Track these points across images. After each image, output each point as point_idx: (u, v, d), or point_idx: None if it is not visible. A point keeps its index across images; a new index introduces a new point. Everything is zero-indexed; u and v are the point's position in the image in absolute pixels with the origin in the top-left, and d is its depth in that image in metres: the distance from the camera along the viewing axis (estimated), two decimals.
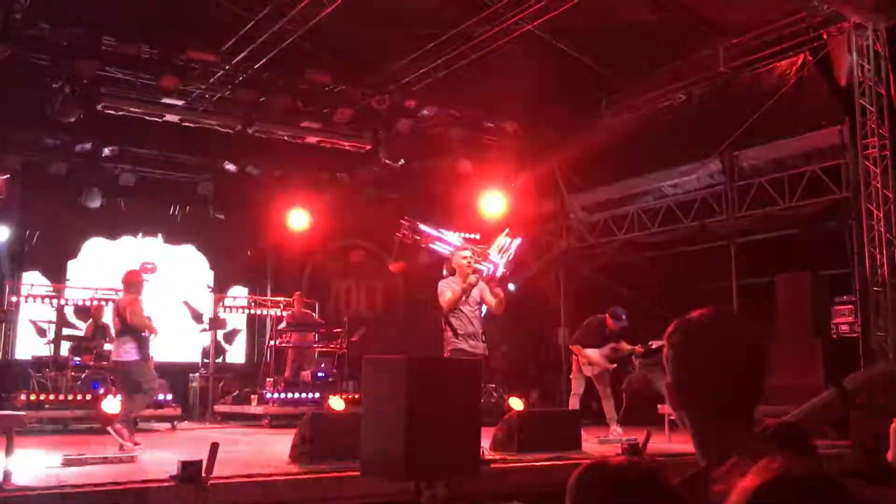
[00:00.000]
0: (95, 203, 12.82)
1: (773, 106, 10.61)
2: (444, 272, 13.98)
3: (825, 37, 10.11)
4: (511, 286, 11.56)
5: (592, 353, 9.37)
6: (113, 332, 8.89)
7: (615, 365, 9.52)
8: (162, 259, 14.39)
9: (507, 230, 12.50)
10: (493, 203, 13.56)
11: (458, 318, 7.30)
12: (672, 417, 9.97)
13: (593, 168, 13.13)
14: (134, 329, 8.31)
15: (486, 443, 6.64)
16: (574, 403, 9.39)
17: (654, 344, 9.51)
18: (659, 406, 10.24)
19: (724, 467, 1.65)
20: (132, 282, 8.53)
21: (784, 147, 11.25)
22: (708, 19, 10.37)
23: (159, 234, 14.23)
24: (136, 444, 7.78)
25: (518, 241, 12.46)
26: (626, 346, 9.60)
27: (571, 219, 14.00)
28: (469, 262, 7.36)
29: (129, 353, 8.32)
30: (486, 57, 10.79)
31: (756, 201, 11.55)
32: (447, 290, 7.34)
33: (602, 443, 8.76)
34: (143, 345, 8.36)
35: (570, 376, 9.69)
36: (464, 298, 7.24)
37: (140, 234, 14.12)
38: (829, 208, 10.78)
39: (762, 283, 11.68)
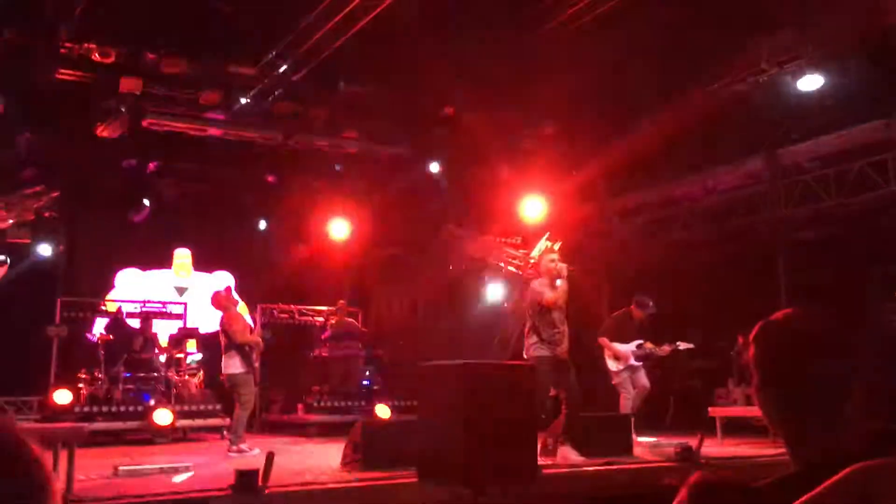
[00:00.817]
0: (141, 218, 13.04)
1: (817, 101, 10.43)
2: (485, 277, 14.02)
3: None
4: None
5: (620, 347, 9.26)
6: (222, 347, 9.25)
7: (641, 363, 9.37)
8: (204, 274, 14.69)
9: (547, 234, 12.50)
10: (533, 208, 13.50)
11: (545, 321, 7.41)
12: (724, 419, 9.87)
13: (633, 170, 13.02)
14: (238, 345, 8.93)
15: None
16: (627, 407, 9.25)
17: (682, 345, 9.40)
18: (710, 409, 10.13)
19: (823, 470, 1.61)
20: (224, 301, 9.24)
21: (828, 143, 11.07)
22: (750, 14, 10.23)
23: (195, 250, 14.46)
24: (245, 449, 8.62)
25: (559, 244, 12.45)
26: (649, 345, 9.45)
27: (612, 222, 13.90)
28: (557, 266, 7.52)
29: (235, 366, 8.91)
30: (526, 60, 10.77)
31: (801, 199, 11.38)
32: (546, 290, 7.45)
33: (654, 447, 8.66)
34: (245, 358, 8.92)
35: (613, 382, 9.47)
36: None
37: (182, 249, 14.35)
38: (878, 203, 10.58)
39: (810, 282, 11.49)
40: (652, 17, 10.19)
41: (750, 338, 1.83)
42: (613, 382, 9.33)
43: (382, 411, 11.62)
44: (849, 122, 10.65)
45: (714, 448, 8.13)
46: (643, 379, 9.31)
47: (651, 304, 9.45)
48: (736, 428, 10.68)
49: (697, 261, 13.09)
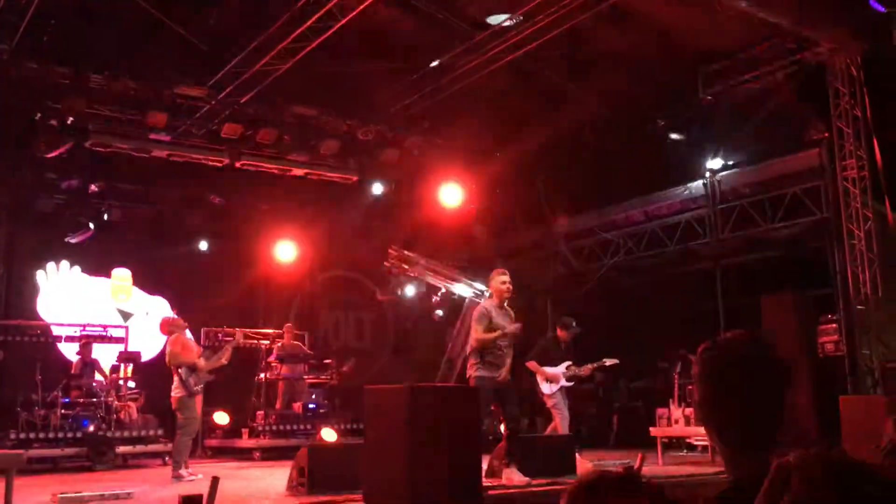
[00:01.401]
0: (80, 239, 12.82)
1: (753, 129, 10.81)
2: (434, 299, 14.10)
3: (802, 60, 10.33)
4: None
5: (549, 370, 9.39)
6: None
7: (572, 383, 9.52)
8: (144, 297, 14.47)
9: (493, 259, 12.65)
10: (479, 231, 13.67)
11: (491, 349, 7.46)
12: (665, 440, 10.08)
13: (578, 195, 13.29)
14: (176, 367, 8.96)
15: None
16: (565, 428, 9.33)
17: (608, 361, 9.60)
18: (651, 429, 10.33)
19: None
20: (169, 326, 9.37)
21: (764, 170, 11.47)
22: (683, 44, 10.57)
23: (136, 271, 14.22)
24: (184, 475, 8.57)
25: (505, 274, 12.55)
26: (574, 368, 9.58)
27: (558, 246, 14.13)
28: (508, 287, 7.55)
29: (175, 388, 8.96)
30: (470, 85, 10.95)
31: (738, 224, 11.74)
32: (485, 318, 7.44)
33: (597, 466, 8.78)
34: (182, 381, 8.92)
35: (548, 405, 9.54)
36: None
37: (123, 268, 14.09)
38: (811, 229, 10.97)
39: (748, 305, 11.83)
40: (597, 46, 10.48)
41: (695, 357, 1.94)
42: (549, 405, 9.44)
43: (328, 434, 11.57)
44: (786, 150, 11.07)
45: (655, 467, 8.29)
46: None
47: (574, 323, 9.65)
48: (677, 447, 10.92)
49: (640, 283, 13.40)
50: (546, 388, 9.31)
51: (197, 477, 8.53)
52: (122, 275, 14.20)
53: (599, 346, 10.18)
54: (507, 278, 7.68)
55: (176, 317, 9.80)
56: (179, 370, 8.92)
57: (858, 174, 9.94)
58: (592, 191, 13.04)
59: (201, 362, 9.12)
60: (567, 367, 9.36)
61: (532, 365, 9.45)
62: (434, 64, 10.81)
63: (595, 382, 14.26)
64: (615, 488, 1.59)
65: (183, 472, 8.68)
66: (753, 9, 9.17)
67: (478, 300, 12.07)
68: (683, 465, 9.16)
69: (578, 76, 11.41)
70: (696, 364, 1.91)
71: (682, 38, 10.45)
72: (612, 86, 11.52)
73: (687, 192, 12.35)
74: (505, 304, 7.65)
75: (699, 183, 12.11)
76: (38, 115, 10.56)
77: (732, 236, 11.86)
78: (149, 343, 12.99)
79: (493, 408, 7.49)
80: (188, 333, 9.88)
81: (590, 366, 9.41)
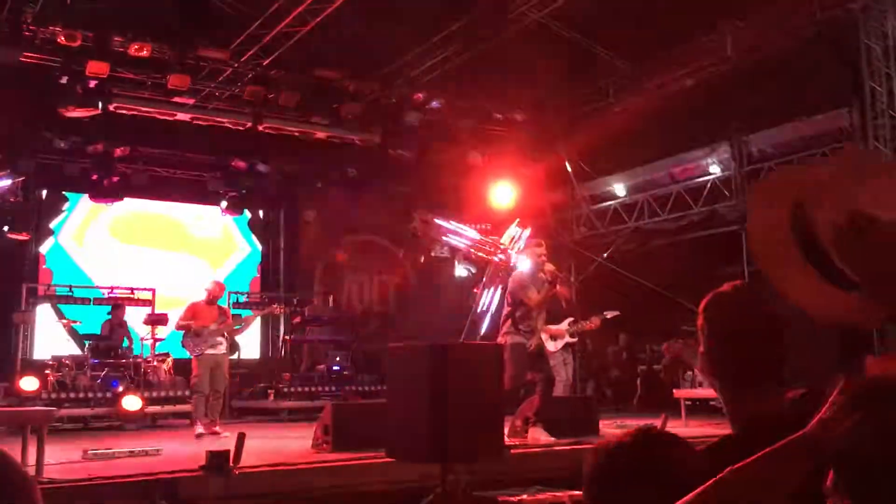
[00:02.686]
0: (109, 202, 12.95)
1: (782, 89, 10.60)
2: (457, 262, 14.11)
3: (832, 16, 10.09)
4: None
5: (554, 327, 9.37)
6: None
7: (576, 339, 9.49)
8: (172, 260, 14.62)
9: (517, 220, 12.60)
10: (503, 194, 13.61)
11: (527, 318, 7.55)
12: (688, 402, 10.07)
13: (603, 157, 13.17)
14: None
15: (505, 429, 6.72)
16: (561, 391, 9.30)
17: (609, 314, 9.55)
18: (675, 391, 10.32)
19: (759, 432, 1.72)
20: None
21: (793, 130, 11.28)
22: (715, 2, 10.38)
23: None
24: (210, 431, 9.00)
25: (528, 231, 12.57)
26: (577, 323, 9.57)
27: (582, 208, 14.05)
28: (544, 259, 7.62)
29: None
30: (494, 48, 10.84)
31: None
32: (530, 287, 7.52)
33: (620, 428, 8.81)
34: (187, 341, 9.45)
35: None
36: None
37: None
38: None
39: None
40: (617, 5, 10.31)
41: (700, 307, 1.96)
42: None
43: (353, 398, 11.71)
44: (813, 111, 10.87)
45: (678, 429, 8.29)
46: (570, 372, 9.40)
47: (571, 278, 9.66)
48: (700, 410, 10.90)
49: (665, 246, 13.29)
50: (550, 345, 9.29)
51: (215, 434, 8.82)
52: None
53: (622, 310, 10.14)
54: (542, 250, 7.72)
55: (214, 282, 10.05)
56: (185, 333, 9.37)
57: (890, 134, 9.74)
58: (617, 152, 12.91)
59: (193, 325, 9.38)
60: (569, 323, 9.34)
61: None
62: (458, 25, 10.70)
63: (619, 346, 14.28)
64: (664, 447, 1.60)
65: (198, 427, 9.00)
66: None
67: (503, 264, 12.08)
68: (706, 426, 9.15)
69: (604, 35, 11.25)
70: (700, 315, 1.95)
71: None
72: (638, 44, 11.36)
73: (714, 153, 12.19)
74: (540, 275, 7.62)
75: (726, 144, 11.94)
76: (63, 78, 10.60)
77: None
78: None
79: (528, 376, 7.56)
80: (218, 299, 9.93)
81: (594, 319, 9.36)
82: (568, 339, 9.33)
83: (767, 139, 11.63)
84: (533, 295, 7.49)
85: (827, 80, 10.60)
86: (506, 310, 7.69)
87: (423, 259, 14.49)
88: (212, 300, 9.72)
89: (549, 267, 7.67)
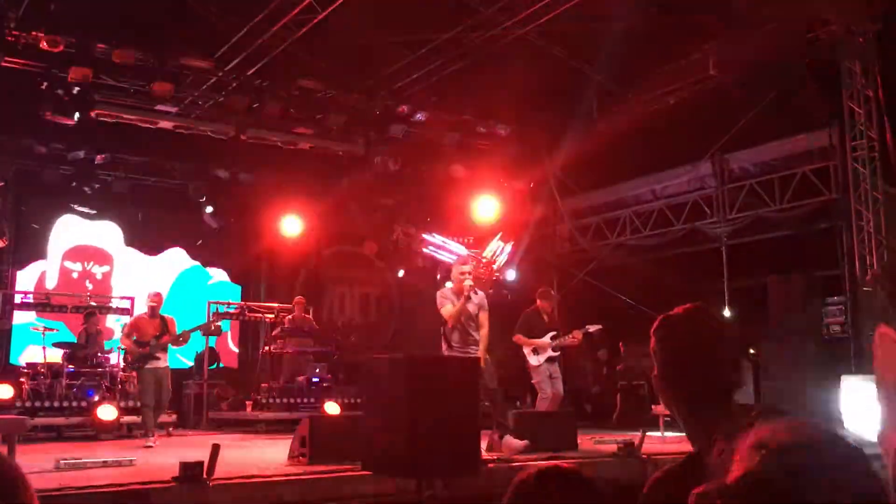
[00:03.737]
0: (88, 210, 12.84)
1: (763, 108, 10.70)
2: (438, 276, 14.11)
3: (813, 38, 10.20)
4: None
5: (537, 341, 9.40)
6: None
7: (559, 353, 9.52)
8: (150, 266, 14.51)
9: (499, 234, 12.61)
10: (486, 207, 13.63)
11: (456, 330, 7.68)
12: (667, 418, 10.08)
13: (586, 172, 13.23)
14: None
15: (482, 444, 6.70)
16: (543, 407, 9.31)
17: (591, 328, 9.57)
18: (653, 406, 10.33)
19: (714, 451, 1.73)
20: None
21: (774, 149, 11.38)
22: (698, 23, 10.46)
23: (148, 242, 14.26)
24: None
25: (510, 245, 12.58)
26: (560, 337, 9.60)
27: (564, 223, 14.09)
28: (466, 277, 7.71)
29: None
30: (479, 62, 10.88)
31: (746, 203, 11.67)
32: (447, 301, 7.68)
33: (598, 444, 8.80)
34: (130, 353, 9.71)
35: (533, 381, 9.57)
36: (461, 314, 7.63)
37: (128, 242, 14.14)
38: (819, 210, 10.90)
39: (754, 285, 11.79)
40: (602, 23, 10.36)
41: (651, 331, 1.96)
42: (533, 381, 9.45)
43: (332, 408, 11.61)
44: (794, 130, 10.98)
45: (656, 445, 8.30)
46: (559, 386, 9.41)
47: (553, 292, 9.74)
48: (679, 425, 10.89)
49: (646, 262, 13.34)
50: (533, 359, 9.30)
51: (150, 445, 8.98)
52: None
53: (604, 325, 10.15)
54: (465, 268, 7.81)
55: (154, 293, 10.09)
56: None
57: (868, 155, 9.84)
58: (600, 168, 12.97)
59: (127, 342, 9.68)
60: (552, 337, 9.35)
61: (518, 338, 9.45)
62: (443, 38, 10.73)
63: (598, 361, 14.28)
64: (562, 484, 1.69)
65: (149, 440, 9.11)
66: None
67: (484, 276, 12.08)
68: (684, 442, 9.16)
69: (587, 52, 11.31)
70: (651, 338, 1.96)
71: (689, 11, 10.32)
72: (621, 61, 11.42)
73: (695, 171, 12.27)
74: (467, 293, 7.65)
75: (707, 162, 12.03)
76: (45, 84, 10.53)
77: (740, 216, 11.80)
78: None
79: None
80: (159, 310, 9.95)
81: (577, 333, 9.38)
82: (551, 352, 9.34)
83: (748, 157, 11.73)
84: (448, 309, 7.61)
85: (807, 100, 10.71)
86: (442, 329, 7.85)
87: (403, 272, 14.47)
88: (153, 312, 9.78)
89: (468, 283, 7.72)
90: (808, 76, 10.43)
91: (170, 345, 9.73)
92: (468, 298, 7.64)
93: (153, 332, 9.58)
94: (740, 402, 1.90)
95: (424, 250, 13.44)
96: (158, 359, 9.56)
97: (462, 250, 13.17)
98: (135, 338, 9.56)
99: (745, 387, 9.70)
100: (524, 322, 9.59)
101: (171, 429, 11.22)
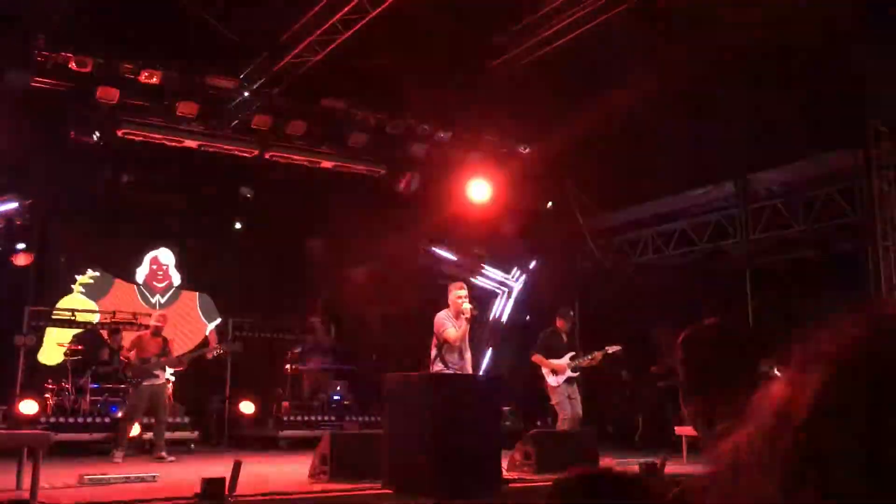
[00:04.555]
0: (114, 228, 12.99)
1: (787, 127, 10.65)
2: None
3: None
4: None
5: (556, 361, 9.37)
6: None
7: (578, 373, 9.48)
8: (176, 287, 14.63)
9: (521, 253, 12.62)
10: (507, 226, 13.64)
11: (451, 353, 7.75)
12: (690, 439, 9.97)
13: (609, 192, 13.21)
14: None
15: (504, 464, 6.68)
16: (564, 428, 9.26)
17: (611, 349, 9.53)
18: (676, 428, 10.23)
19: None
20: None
21: (798, 169, 11.31)
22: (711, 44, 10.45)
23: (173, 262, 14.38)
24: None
25: (533, 262, 12.59)
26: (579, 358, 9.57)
27: (586, 242, 14.06)
28: (462, 300, 7.84)
29: None
30: (500, 81, 10.93)
31: (770, 224, 11.58)
32: (448, 324, 7.80)
33: (620, 465, 8.72)
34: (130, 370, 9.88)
35: (552, 402, 9.54)
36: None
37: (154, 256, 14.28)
38: (844, 230, 10.80)
39: (777, 306, 11.68)
40: (620, 41, 10.40)
41: (677, 342, 1.95)
42: (552, 402, 9.41)
43: (352, 428, 11.63)
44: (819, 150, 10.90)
45: (679, 466, 8.21)
46: (578, 407, 9.37)
47: (571, 312, 9.82)
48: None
49: (668, 282, 13.26)
50: (552, 380, 9.28)
51: (161, 459, 9.24)
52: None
53: (626, 346, 10.10)
54: (462, 292, 7.93)
55: (160, 314, 10.47)
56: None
57: (894, 174, 9.76)
58: (622, 188, 12.94)
59: (130, 357, 9.92)
60: (571, 358, 9.33)
61: (537, 358, 9.43)
62: (466, 59, 10.81)
63: (621, 382, 14.18)
64: (616, 489, 1.57)
65: (117, 455, 9.17)
66: None
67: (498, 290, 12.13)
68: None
69: (608, 73, 11.32)
70: (678, 350, 1.95)
71: (713, 36, 10.32)
72: (642, 82, 11.42)
73: (717, 190, 12.21)
74: (468, 315, 7.78)
75: (730, 181, 11.97)
76: (72, 103, 10.70)
77: (763, 236, 11.71)
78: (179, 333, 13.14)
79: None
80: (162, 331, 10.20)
81: (596, 354, 9.36)
82: (570, 373, 9.32)
83: (772, 178, 11.66)
84: (452, 332, 7.74)
85: (833, 119, 10.64)
86: (432, 349, 7.87)
87: (424, 289, 14.47)
88: (156, 332, 10.02)
89: (468, 306, 7.82)
90: (835, 95, 10.37)
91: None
92: (468, 320, 7.77)
93: (154, 351, 9.84)
94: None
95: (446, 269, 13.46)
96: (157, 376, 9.79)
97: (477, 266, 13.23)
98: (136, 353, 9.82)
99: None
100: (543, 342, 9.57)
101: (192, 444, 11.28)
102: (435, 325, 7.90)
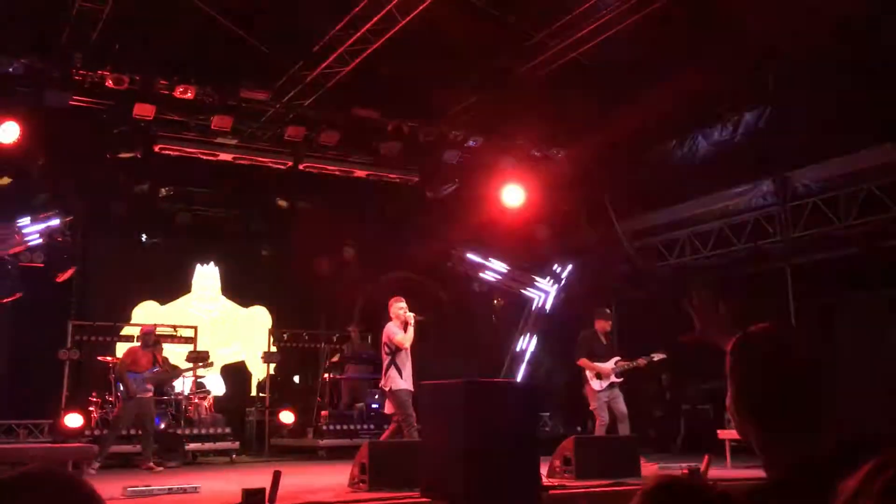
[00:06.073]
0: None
1: (825, 123, 10.45)
2: (495, 301, 14.07)
3: None
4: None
5: (601, 365, 9.31)
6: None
7: (622, 379, 9.39)
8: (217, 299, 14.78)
9: (555, 257, 12.53)
10: (541, 231, 13.57)
11: (403, 360, 8.43)
12: (734, 443, 9.82)
13: (643, 193, 13.07)
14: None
15: (543, 471, 6.63)
16: (601, 433, 9.22)
17: (656, 357, 9.42)
18: (719, 432, 10.07)
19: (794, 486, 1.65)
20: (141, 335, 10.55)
21: (837, 166, 11.08)
22: (749, 42, 10.32)
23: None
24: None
25: (569, 267, 12.48)
26: (623, 362, 9.48)
27: (622, 245, 13.91)
28: (405, 312, 8.54)
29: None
30: (533, 85, 10.88)
31: (810, 221, 11.37)
32: (398, 332, 8.50)
33: (662, 469, 8.61)
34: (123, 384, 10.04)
35: (591, 407, 9.50)
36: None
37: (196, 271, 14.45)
38: (887, 226, 10.55)
39: (820, 305, 11.45)
40: (655, 40, 10.30)
41: (728, 348, 1.89)
42: (591, 407, 9.36)
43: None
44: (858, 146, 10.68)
45: (722, 471, 8.08)
46: (622, 406, 9.30)
47: (608, 310, 9.88)
48: (745, 451, 10.60)
49: (706, 284, 13.06)
50: (596, 384, 9.22)
51: (150, 469, 9.47)
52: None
53: (665, 348, 9.98)
54: (401, 304, 8.61)
55: (150, 327, 10.67)
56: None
57: None
58: (658, 189, 12.79)
59: (124, 373, 9.97)
60: (616, 363, 9.26)
61: (583, 362, 9.37)
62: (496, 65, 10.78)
63: (662, 385, 14.01)
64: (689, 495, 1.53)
65: (93, 466, 9.06)
66: None
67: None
68: (751, 468, 8.89)
69: (642, 74, 11.22)
70: (728, 358, 1.87)
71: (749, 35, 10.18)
72: (676, 83, 11.30)
73: (756, 189, 12.01)
74: (413, 322, 8.53)
75: (769, 179, 11.77)
76: (110, 120, 10.88)
77: (804, 234, 11.49)
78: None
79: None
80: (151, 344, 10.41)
81: (640, 360, 9.29)
82: (614, 378, 9.28)
83: (811, 175, 11.43)
84: (401, 337, 8.43)
85: (872, 114, 10.41)
86: (385, 360, 8.51)
87: (456, 296, 14.47)
88: (146, 345, 10.16)
89: (410, 314, 8.52)
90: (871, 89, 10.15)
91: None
92: (413, 326, 8.47)
93: (147, 365, 9.97)
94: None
95: (480, 275, 13.42)
96: (148, 389, 9.96)
97: (511, 272, 13.17)
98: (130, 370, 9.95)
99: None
100: (584, 344, 9.51)
101: (233, 455, 11.38)
102: (385, 336, 8.60)
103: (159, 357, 10.39)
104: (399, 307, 8.62)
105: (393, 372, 8.39)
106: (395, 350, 8.40)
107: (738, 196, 12.31)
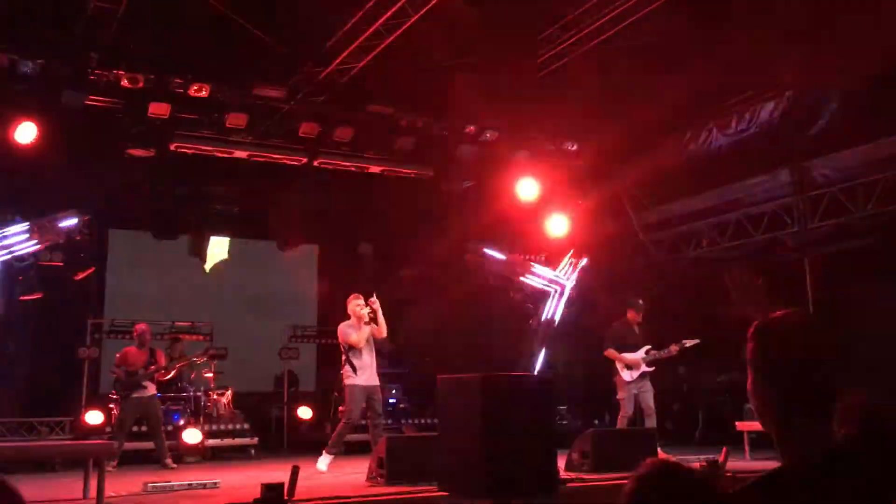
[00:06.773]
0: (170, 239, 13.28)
1: (842, 112, 10.35)
2: (512, 294, 14.04)
3: None
4: None
5: (629, 356, 9.27)
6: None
7: (653, 368, 9.34)
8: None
9: (571, 251, 12.49)
10: (557, 224, 13.53)
11: (357, 356, 8.58)
12: (752, 434, 9.78)
13: (659, 185, 13.00)
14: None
15: (560, 464, 6.63)
16: (623, 424, 9.22)
17: (688, 343, 9.36)
18: (737, 423, 10.04)
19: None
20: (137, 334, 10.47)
21: (857, 155, 10.97)
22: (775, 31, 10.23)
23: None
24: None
25: (584, 261, 12.43)
26: (655, 351, 9.43)
27: (638, 237, 13.86)
28: (360, 308, 8.71)
29: None
30: (546, 78, 10.85)
31: (829, 211, 11.27)
32: (351, 331, 8.69)
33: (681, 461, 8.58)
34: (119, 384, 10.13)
35: (617, 396, 9.46)
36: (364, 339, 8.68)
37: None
38: None
39: (838, 296, 11.35)
40: (675, 32, 10.23)
41: (748, 335, 1.89)
42: (619, 396, 9.33)
43: (408, 431, 11.66)
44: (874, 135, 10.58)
45: (741, 462, 8.05)
46: (650, 399, 9.28)
47: (641, 301, 9.67)
48: (764, 443, 10.56)
49: (723, 274, 12.98)
50: (626, 374, 9.19)
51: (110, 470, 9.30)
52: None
53: (682, 339, 9.93)
54: (358, 302, 8.77)
55: (145, 326, 10.55)
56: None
57: None
58: (674, 181, 12.72)
59: (118, 371, 10.07)
60: (647, 352, 9.21)
61: (610, 353, 9.34)
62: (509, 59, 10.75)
63: (679, 377, 13.95)
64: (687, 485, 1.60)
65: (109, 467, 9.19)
66: None
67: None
68: (770, 460, 8.86)
69: (655, 67, 11.16)
70: (748, 343, 1.88)
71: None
72: (689, 75, 11.23)
73: (773, 180, 11.92)
74: (367, 319, 8.72)
75: (786, 170, 11.68)
76: (126, 119, 10.94)
77: (822, 225, 11.40)
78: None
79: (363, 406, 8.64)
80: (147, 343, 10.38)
81: (673, 347, 9.23)
82: (645, 368, 9.27)
83: (829, 164, 11.33)
84: (354, 337, 8.63)
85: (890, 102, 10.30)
86: (343, 356, 8.70)
87: (474, 290, 14.47)
88: (142, 344, 10.16)
89: (365, 311, 8.70)
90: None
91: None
92: (368, 323, 8.66)
93: (141, 364, 10.00)
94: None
95: (497, 270, 13.42)
96: (145, 388, 9.97)
97: (527, 266, 13.14)
98: (124, 368, 9.99)
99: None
100: (615, 335, 9.48)
101: (253, 450, 11.45)
102: (340, 336, 8.77)
103: (159, 356, 10.37)
104: (356, 304, 8.81)
105: (347, 368, 8.67)
106: (349, 348, 8.65)
107: (755, 186, 12.22)
